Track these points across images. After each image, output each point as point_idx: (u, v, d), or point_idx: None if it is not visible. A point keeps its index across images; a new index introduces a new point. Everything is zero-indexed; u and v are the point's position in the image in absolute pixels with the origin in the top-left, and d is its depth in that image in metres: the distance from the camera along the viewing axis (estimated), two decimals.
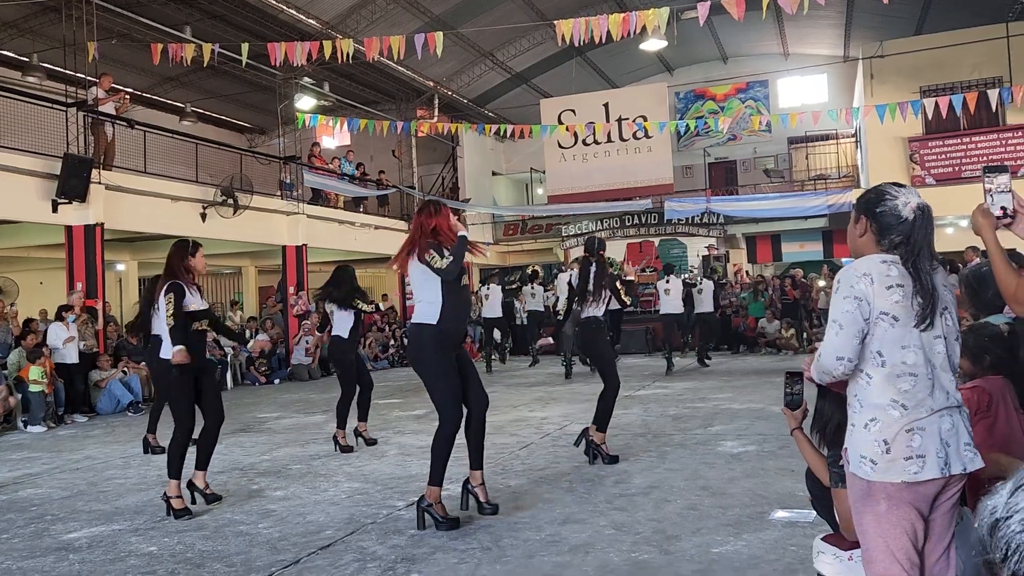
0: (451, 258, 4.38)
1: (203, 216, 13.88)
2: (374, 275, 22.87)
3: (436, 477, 4.39)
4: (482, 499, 4.54)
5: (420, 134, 20.11)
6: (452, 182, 23.44)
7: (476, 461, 4.58)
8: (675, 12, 10.84)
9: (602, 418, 6.02)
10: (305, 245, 16.52)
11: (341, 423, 7.00)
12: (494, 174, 24.99)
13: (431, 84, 20.34)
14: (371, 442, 7.17)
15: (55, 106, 12.22)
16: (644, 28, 10.66)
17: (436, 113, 20.51)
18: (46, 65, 15.71)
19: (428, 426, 8.27)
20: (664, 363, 12.88)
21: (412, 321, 4.57)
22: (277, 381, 14.53)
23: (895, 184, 2.35)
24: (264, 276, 22.00)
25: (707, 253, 19.37)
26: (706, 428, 7.31)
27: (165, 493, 4.95)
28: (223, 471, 6.13)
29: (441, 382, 4.43)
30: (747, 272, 20.94)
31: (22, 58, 16.17)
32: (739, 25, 18.58)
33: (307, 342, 15.22)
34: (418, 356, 4.50)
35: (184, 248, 5.25)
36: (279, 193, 16.30)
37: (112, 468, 6.80)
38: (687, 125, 19.15)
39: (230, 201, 14.05)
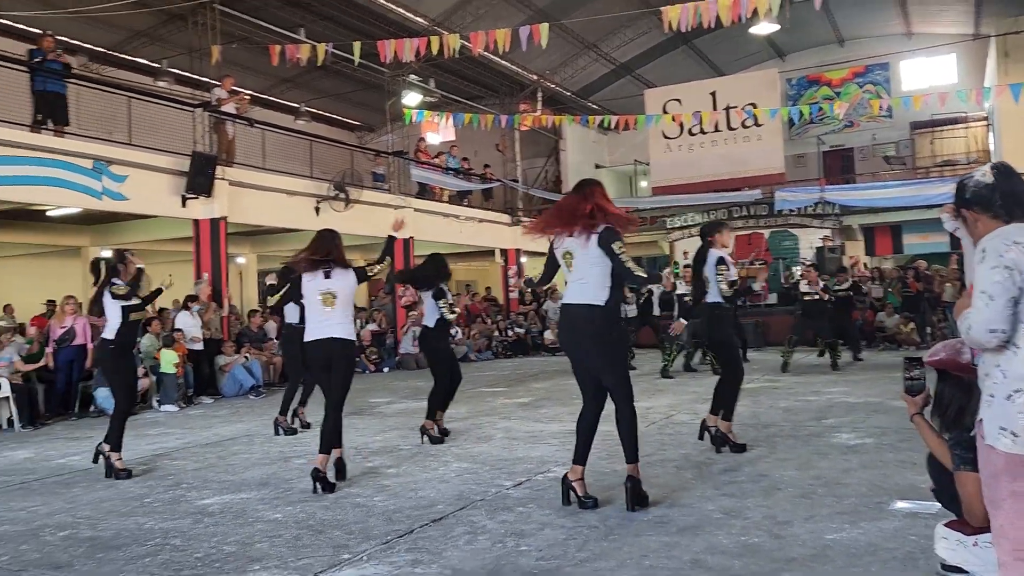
0: (645, 275, 4.50)
1: (317, 210, 14.44)
2: (478, 268, 23.21)
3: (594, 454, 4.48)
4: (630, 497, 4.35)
5: (523, 128, 20.24)
6: (555, 175, 23.49)
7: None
8: None
9: (727, 406, 5.90)
10: (412, 238, 16.93)
11: (430, 413, 6.90)
12: (597, 167, 24.86)
13: (534, 78, 20.45)
14: (436, 440, 6.74)
15: (183, 107, 12.99)
16: (755, 12, 10.37)
17: (539, 106, 20.60)
18: (174, 70, 16.73)
19: (533, 412, 8.38)
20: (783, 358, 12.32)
21: (587, 302, 4.29)
22: (386, 369, 14.97)
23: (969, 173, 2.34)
24: None
25: (821, 245, 18.62)
26: (819, 420, 7.08)
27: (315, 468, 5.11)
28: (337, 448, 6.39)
29: (622, 361, 4.46)
30: (864, 264, 20.05)
31: (153, 64, 17.26)
32: (857, 5, 17.88)
33: (415, 332, 15.60)
34: (605, 333, 4.31)
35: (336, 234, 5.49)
36: (386, 187, 16.76)
37: (238, 444, 7.21)
38: (800, 112, 18.49)
39: (342, 195, 14.58)
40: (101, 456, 5.97)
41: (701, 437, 6.04)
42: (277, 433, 7.59)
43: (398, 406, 9.58)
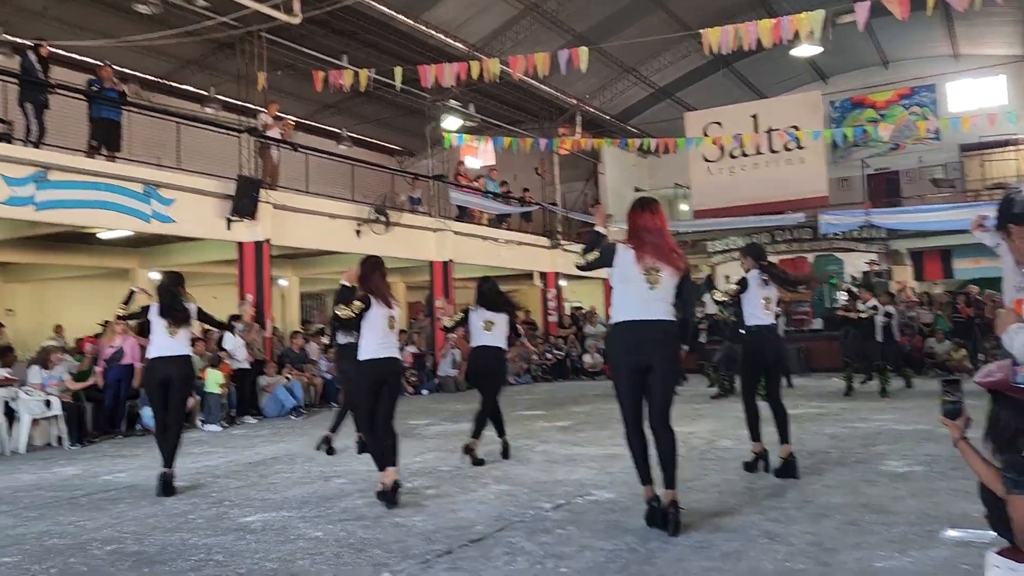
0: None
1: (358, 232, 14.63)
2: (517, 291, 23.22)
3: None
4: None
5: (563, 151, 20.35)
6: (594, 198, 23.48)
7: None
8: (830, 16, 10.43)
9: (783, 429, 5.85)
10: (451, 260, 17.05)
11: (476, 432, 6.85)
12: (637, 190, 24.73)
13: (573, 102, 20.54)
14: (479, 462, 6.72)
15: (229, 132, 13.30)
16: (796, 34, 10.32)
17: (578, 130, 20.67)
18: (221, 97, 17.14)
19: (572, 436, 8.33)
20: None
21: (668, 318, 4.33)
22: (425, 392, 15.01)
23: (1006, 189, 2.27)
24: (412, 292, 22.83)
25: (868, 269, 18.28)
26: (867, 447, 6.92)
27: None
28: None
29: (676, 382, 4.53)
30: (912, 289, 19.63)
31: (202, 92, 17.72)
32: (901, 27, 17.61)
33: (454, 355, 15.66)
34: (677, 350, 4.42)
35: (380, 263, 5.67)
36: (422, 209, 16.92)
37: (279, 464, 7.28)
38: (844, 134, 18.25)
39: (382, 218, 14.75)
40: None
41: (752, 469, 5.94)
42: (361, 452, 7.44)
43: (437, 428, 9.59)
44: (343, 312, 5.47)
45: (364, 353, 5.48)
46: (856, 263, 19.11)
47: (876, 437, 7.45)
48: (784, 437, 5.80)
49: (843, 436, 7.60)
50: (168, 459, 6.07)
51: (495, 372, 7.04)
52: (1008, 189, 2.42)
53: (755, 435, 5.96)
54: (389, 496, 5.19)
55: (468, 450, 6.75)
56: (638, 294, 4.33)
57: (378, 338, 5.46)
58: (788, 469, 5.66)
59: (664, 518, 4.22)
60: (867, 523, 4.32)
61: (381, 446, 5.40)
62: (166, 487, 5.96)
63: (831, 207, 19.96)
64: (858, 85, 23.19)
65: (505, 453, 6.98)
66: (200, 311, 6.42)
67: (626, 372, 4.38)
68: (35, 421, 9.04)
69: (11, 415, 8.93)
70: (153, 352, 6.21)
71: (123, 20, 14.02)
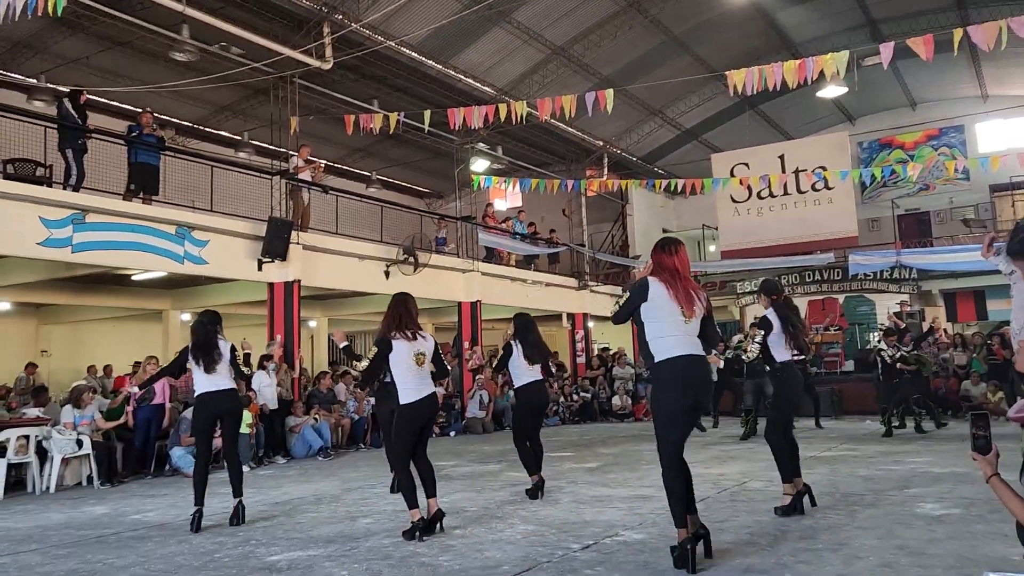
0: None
1: (386, 274, 14.75)
2: (545, 332, 23.15)
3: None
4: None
5: (590, 193, 20.44)
6: (622, 240, 23.52)
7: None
8: (855, 57, 10.46)
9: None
10: (479, 301, 17.09)
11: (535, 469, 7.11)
12: (664, 231, 24.79)
13: (600, 143, 20.71)
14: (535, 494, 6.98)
15: (262, 175, 13.58)
16: (821, 74, 10.35)
17: (605, 171, 20.80)
18: (255, 142, 17.55)
19: (601, 477, 8.23)
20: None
21: (705, 354, 4.46)
22: (452, 434, 14.95)
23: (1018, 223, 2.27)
24: (440, 333, 22.88)
25: (899, 310, 18.02)
26: (902, 490, 6.75)
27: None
28: (405, 510, 6.37)
29: None
30: (945, 331, 19.29)
31: (235, 137, 18.17)
32: (928, 68, 17.68)
33: (481, 396, 15.61)
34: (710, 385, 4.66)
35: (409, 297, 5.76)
36: (447, 249, 17.02)
37: (306, 504, 7.27)
38: (872, 174, 18.16)
39: (411, 259, 14.88)
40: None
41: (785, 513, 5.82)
42: (394, 491, 7.47)
43: (464, 469, 9.53)
44: (363, 366, 5.61)
45: (404, 396, 5.46)
46: (887, 304, 18.85)
47: (911, 479, 7.27)
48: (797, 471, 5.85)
49: (877, 478, 7.43)
50: (237, 488, 6.30)
51: (545, 406, 7.24)
52: (1020, 224, 2.40)
53: (786, 475, 5.86)
54: (432, 523, 5.39)
55: (535, 488, 6.95)
56: (676, 328, 4.31)
57: (413, 377, 5.47)
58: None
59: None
60: (902, 566, 4.20)
61: (413, 484, 5.43)
62: (236, 515, 6.25)
63: (861, 247, 19.80)
64: (886, 126, 23.15)
65: (538, 492, 6.97)
66: (232, 355, 6.46)
67: (683, 409, 4.32)
68: (66, 460, 9.13)
69: (43, 454, 9.05)
70: (200, 387, 6.34)
71: (161, 68, 14.47)
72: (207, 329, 6.44)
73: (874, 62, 12.13)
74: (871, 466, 8.32)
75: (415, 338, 5.53)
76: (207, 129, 18.10)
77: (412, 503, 5.35)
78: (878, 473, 7.77)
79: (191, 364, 6.38)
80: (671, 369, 4.29)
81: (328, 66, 13.45)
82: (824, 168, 18.65)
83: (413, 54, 14.86)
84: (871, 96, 21.19)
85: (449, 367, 16.32)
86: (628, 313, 4.50)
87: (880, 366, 11.92)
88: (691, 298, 4.36)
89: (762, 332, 6.01)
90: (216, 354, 6.32)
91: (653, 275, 4.44)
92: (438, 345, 5.78)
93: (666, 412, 4.36)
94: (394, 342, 5.49)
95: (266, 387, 11.51)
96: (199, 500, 6.12)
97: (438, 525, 5.47)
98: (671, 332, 4.32)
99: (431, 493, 5.51)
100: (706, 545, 4.37)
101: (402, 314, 5.59)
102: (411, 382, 5.46)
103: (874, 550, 4.58)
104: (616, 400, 17.78)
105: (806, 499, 5.86)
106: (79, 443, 9.18)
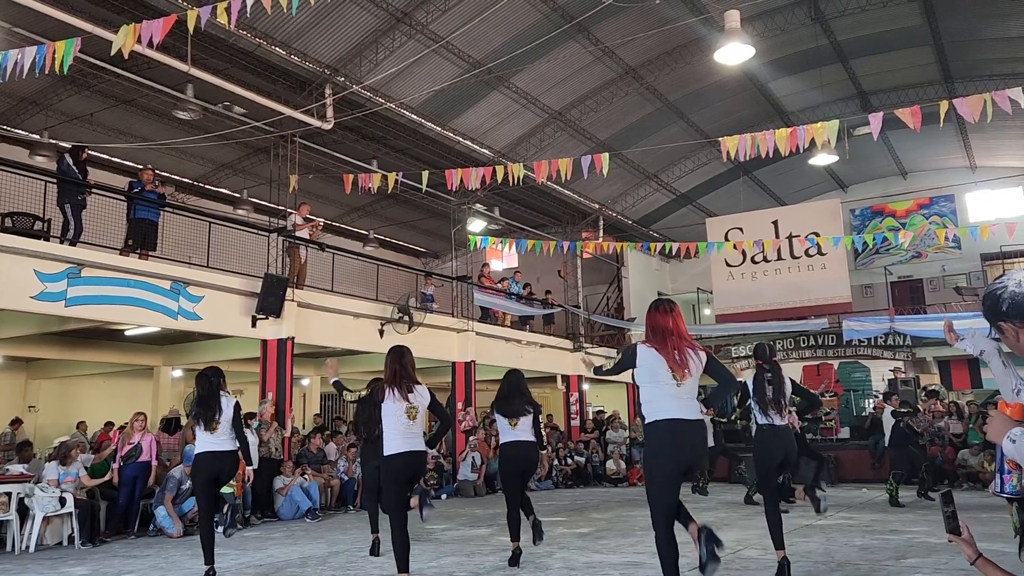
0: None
1: (381, 332, 14.71)
2: (539, 394, 23.01)
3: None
4: None
5: (586, 255, 20.58)
6: (617, 302, 23.58)
7: None
8: (845, 126, 10.67)
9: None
10: (473, 361, 17.02)
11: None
12: (660, 294, 24.90)
13: (596, 206, 20.93)
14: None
15: (259, 232, 13.65)
16: (813, 142, 10.54)
17: (601, 234, 20.97)
18: (253, 199, 17.73)
19: (593, 543, 8.08)
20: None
21: (700, 418, 4.36)
22: (444, 496, 14.70)
23: (996, 280, 2.29)
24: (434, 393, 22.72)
25: (893, 377, 18.01)
26: (898, 560, 6.63)
27: None
28: (393, 575, 6.23)
29: None
30: (940, 400, 19.22)
31: (234, 194, 18.35)
32: (918, 138, 18.03)
33: (474, 459, 15.41)
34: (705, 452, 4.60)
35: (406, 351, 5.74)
36: (434, 306, 16.99)
37: (292, 567, 7.10)
38: (864, 241, 18.35)
39: (405, 318, 14.87)
40: None
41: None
42: (373, 553, 7.41)
43: (454, 533, 9.35)
44: (350, 396, 5.56)
45: (388, 448, 5.46)
46: (881, 370, 18.83)
47: (908, 549, 7.15)
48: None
49: (873, 548, 7.30)
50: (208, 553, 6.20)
51: (525, 467, 6.89)
52: (990, 286, 2.41)
53: (777, 542, 5.76)
54: None
55: (514, 556, 6.73)
56: (666, 391, 4.31)
57: (402, 431, 5.44)
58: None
59: None
60: None
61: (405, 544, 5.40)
62: None
63: (855, 313, 19.87)
64: (877, 194, 23.51)
65: (537, 533, 6.64)
66: (236, 413, 6.32)
67: (670, 473, 4.28)
68: (47, 519, 8.93)
69: (24, 512, 8.85)
70: (200, 446, 6.24)
71: (163, 126, 14.69)
72: (211, 383, 6.34)
73: (864, 132, 12.39)
74: (867, 535, 8.19)
75: (409, 392, 5.49)
76: (207, 186, 18.27)
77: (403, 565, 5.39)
78: (874, 543, 7.64)
79: (191, 420, 6.28)
80: (662, 431, 4.27)
81: (329, 126, 13.67)
82: (817, 234, 18.83)
83: (412, 116, 15.12)
84: (862, 165, 21.57)
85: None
86: (615, 373, 4.65)
87: (893, 433, 11.76)
88: (683, 361, 4.34)
89: (739, 397, 6.28)
90: (218, 411, 6.21)
91: (645, 341, 4.47)
92: (434, 396, 5.72)
93: (657, 475, 4.32)
94: (384, 402, 5.48)
95: (251, 445, 11.33)
96: (209, 559, 6.05)
97: None
98: (662, 395, 4.31)
99: (403, 568, 5.42)
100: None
101: (396, 369, 5.56)
102: (398, 437, 5.45)
103: None
104: (610, 464, 17.57)
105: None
106: (62, 501, 8.99)
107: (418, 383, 5.61)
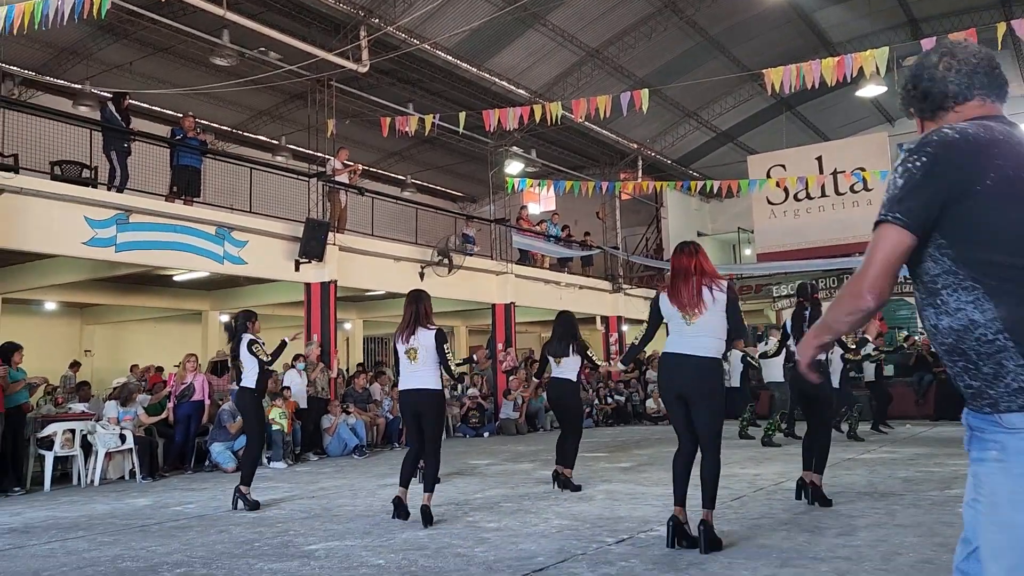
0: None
1: (421, 275, 14.85)
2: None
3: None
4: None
5: (624, 196, 20.37)
6: (656, 243, 23.39)
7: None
8: (895, 54, 10.32)
9: (820, 459, 6.06)
10: (513, 303, 17.12)
11: (568, 461, 7.28)
12: (699, 235, 24.60)
13: (635, 146, 20.65)
14: (575, 488, 7.16)
15: (300, 177, 13.77)
16: (860, 72, 10.24)
17: (640, 174, 20.73)
18: (291, 146, 17.81)
19: (635, 476, 8.21)
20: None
21: (709, 355, 4.60)
22: (486, 434, 14.98)
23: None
24: (474, 336, 22.98)
25: None
26: (943, 491, 6.63)
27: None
28: (441, 504, 6.42)
29: (723, 413, 4.79)
30: None
31: (272, 141, 18.46)
32: None
33: (516, 398, 15.62)
34: (721, 385, 4.76)
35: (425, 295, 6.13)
36: (475, 248, 17.02)
37: (342, 497, 7.35)
38: None
39: (445, 261, 14.97)
40: (240, 500, 6.79)
41: (799, 496, 6.16)
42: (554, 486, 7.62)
43: (498, 467, 9.57)
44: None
45: (399, 386, 6.08)
46: None
47: (952, 481, 7.13)
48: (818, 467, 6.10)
49: (917, 479, 7.30)
50: (248, 479, 6.89)
51: (563, 403, 7.51)
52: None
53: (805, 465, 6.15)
54: (423, 513, 5.61)
55: (557, 476, 7.24)
56: (677, 330, 4.74)
57: (403, 370, 5.94)
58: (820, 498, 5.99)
59: (692, 536, 4.57)
60: (943, 562, 4.13)
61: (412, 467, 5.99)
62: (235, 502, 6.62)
63: None
64: None
65: (564, 485, 7.20)
66: (249, 346, 6.91)
67: (669, 398, 4.80)
68: (109, 454, 9.34)
69: (88, 448, 9.26)
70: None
71: (201, 73, 14.75)
72: (231, 325, 7.26)
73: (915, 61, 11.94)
74: (911, 467, 8.18)
75: (412, 335, 5.85)
76: (245, 134, 18.40)
77: (400, 481, 5.94)
78: (918, 475, 7.64)
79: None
80: (662, 363, 4.82)
81: (364, 69, 13.61)
82: (863, 169, 18.38)
83: (448, 57, 14.97)
84: None
85: (482, 366, 16.35)
86: (654, 329, 5.05)
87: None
88: (694, 299, 4.63)
89: (777, 344, 6.57)
90: (239, 357, 6.95)
91: (664, 286, 4.92)
92: (442, 336, 5.87)
93: (664, 401, 4.98)
94: (396, 344, 6.01)
95: (298, 385, 11.65)
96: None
97: (423, 521, 5.61)
98: (673, 332, 4.77)
99: (425, 487, 5.73)
100: (701, 538, 4.48)
101: (409, 312, 5.97)
102: (403, 375, 5.96)
103: (914, 547, 4.51)
104: (650, 403, 17.68)
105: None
106: (122, 438, 9.38)
107: (427, 327, 5.87)
